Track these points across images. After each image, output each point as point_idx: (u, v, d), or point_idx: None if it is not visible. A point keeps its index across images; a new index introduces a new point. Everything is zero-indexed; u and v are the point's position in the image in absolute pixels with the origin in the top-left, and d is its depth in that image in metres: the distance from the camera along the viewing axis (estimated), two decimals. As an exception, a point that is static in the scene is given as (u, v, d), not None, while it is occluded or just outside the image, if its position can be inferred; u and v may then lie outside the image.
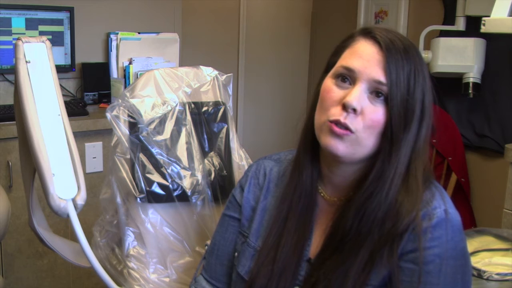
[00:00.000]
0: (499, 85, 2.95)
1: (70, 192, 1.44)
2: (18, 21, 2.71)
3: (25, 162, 1.60)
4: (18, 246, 2.54)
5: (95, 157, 2.67)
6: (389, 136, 1.03)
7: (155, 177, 1.67)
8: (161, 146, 1.70)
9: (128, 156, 1.67)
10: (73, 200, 1.44)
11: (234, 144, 1.83)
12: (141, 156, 1.67)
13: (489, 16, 2.23)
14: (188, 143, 1.75)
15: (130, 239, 1.69)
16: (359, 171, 1.10)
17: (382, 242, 1.03)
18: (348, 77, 1.06)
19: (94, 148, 2.66)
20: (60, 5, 2.84)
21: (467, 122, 3.10)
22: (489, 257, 1.59)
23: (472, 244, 1.63)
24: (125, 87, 2.89)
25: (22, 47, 1.47)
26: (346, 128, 1.03)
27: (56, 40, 2.82)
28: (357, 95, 1.02)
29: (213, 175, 1.76)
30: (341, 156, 1.05)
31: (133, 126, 1.68)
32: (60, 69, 2.76)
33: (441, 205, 1.05)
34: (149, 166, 1.67)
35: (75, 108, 2.73)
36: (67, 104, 2.68)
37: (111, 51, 3.03)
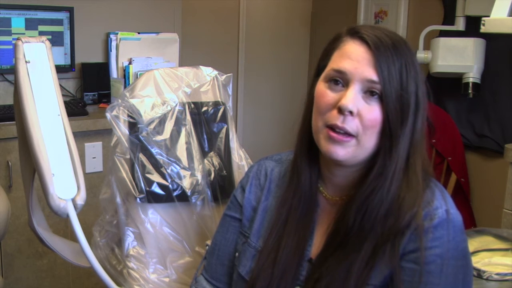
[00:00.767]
0: (499, 85, 2.95)
1: (70, 192, 1.44)
2: (17, 21, 2.71)
3: (25, 162, 1.60)
4: (18, 246, 2.54)
5: (94, 157, 2.67)
6: (388, 133, 1.03)
7: (155, 177, 1.67)
8: (160, 146, 1.70)
9: (128, 156, 1.67)
10: (73, 200, 1.44)
11: (234, 144, 1.83)
12: (141, 156, 1.67)
13: (488, 16, 2.23)
14: (188, 143, 1.74)
15: (129, 239, 1.69)
16: (360, 171, 1.10)
17: (384, 237, 1.03)
18: (340, 80, 1.05)
19: (94, 148, 2.66)
20: (59, 5, 2.84)
21: (467, 122, 3.10)
22: (489, 257, 1.59)
23: (472, 244, 1.63)
24: (125, 87, 2.89)
25: (21, 47, 1.47)
26: (345, 132, 1.03)
27: (55, 40, 2.82)
28: (352, 97, 1.02)
29: (212, 175, 1.76)
30: (343, 161, 1.06)
31: (133, 126, 1.68)
32: (59, 69, 2.75)
33: (442, 205, 1.05)
34: (149, 166, 1.67)
35: (75, 108, 2.73)
36: (67, 104, 2.68)
37: (111, 51, 3.03)
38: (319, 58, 1.14)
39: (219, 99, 1.83)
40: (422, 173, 1.07)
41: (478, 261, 1.55)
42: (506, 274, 1.50)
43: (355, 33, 1.07)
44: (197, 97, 1.80)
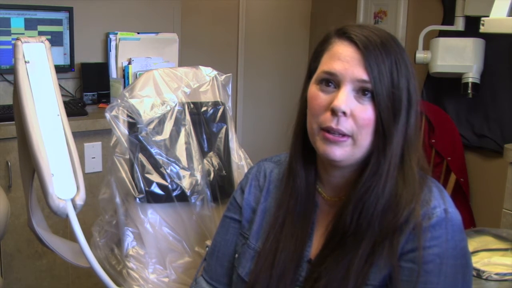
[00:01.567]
0: (498, 85, 2.95)
1: (69, 192, 1.44)
2: (17, 21, 2.71)
3: (24, 162, 1.60)
4: (17, 246, 2.54)
5: (94, 157, 2.66)
6: (381, 131, 1.04)
7: (154, 177, 1.68)
8: (160, 146, 1.70)
9: (127, 156, 1.67)
10: (72, 200, 1.44)
11: (233, 144, 1.83)
12: (140, 156, 1.67)
13: (488, 16, 2.23)
14: (187, 143, 1.75)
15: (129, 239, 1.69)
16: (358, 170, 1.10)
17: (383, 234, 1.03)
18: (331, 81, 1.06)
19: (93, 148, 2.66)
20: (59, 5, 2.84)
21: (466, 122, 3.10)
22: (488, 257, 1.59)
23: (471, 244, 1.63)
24: (124, 87, 2.89)
25: (21, 47, 1.47)
26: (340, 133, 1.03)
27: (55, 40, 2.82)
28: (344, 97, 1.03)
29: (212, 175, 1.76)
30: (340, 161, 1.06)
31: (132, 126, 1.68)
32: (59, 69, 2.75)
33: (440, 204, 1.05)
34: (148, 166, 1.67)
35: (74, 108, 2.72)
36: (66, 104, 2.68)
37: (110, 51, 3.03)
38: (309, 60, 1.14)
39: (219, 99, 1.83)
40: (418, 169, 1.07)
41: (478, 261, 1.56)
42: (505, 274, 1.50)
43: (343, 34, 1.07)
44: (197, 97, 1.80)
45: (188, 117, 1.76)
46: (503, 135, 2.94)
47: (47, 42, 1.52)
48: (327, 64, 1.07)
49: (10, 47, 2.69)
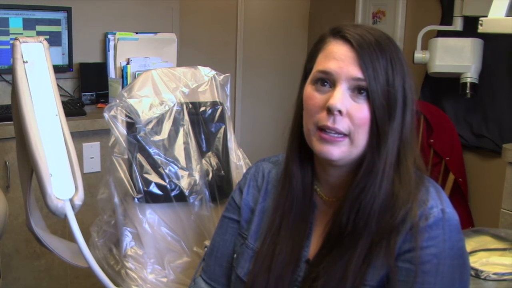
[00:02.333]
0: (496, 85, 2.95)
1: (68, 193, 1.44)
2: (15, 21, 2.71)
3: (22, 163, 1.60)
4: (16, 247, 2.54)
5: (92, 157, 2.66)
6: (375, 130, 1.04)
7: (153, 177, 1.67)
8: (158, 146, 1.70)
9: (126, 156, 1.67)
10: (71, 201, 1.44)
11: (232, 144, 1.83)
12: (139, 156, 1.67)
13: (486, 16, 2.23)
14: (186, 143, 1.74)
15: (127, 239, 1.69)
16: (355, 170, 1.10)
17: (380, 234, 1.03)
18: (327, 81, 1.06)
19: (92, 148, 2.66)
20: (57, 5, 2.83)
21: (465, 122, 3.10)
22: (487, 257, 1.59)
23: (469, 244, 1.64)
24: (123, 87, 2.89)
25: (19, 47, 1.47)
26: (336, 132, 1.03)
27: (53, 40, 2.82)
28: (339, 96, 1.03)
29: (210, 175, 1.76)
30: (337, 160, 1.06)
31: (131, 126, 1.68)
32: (57, 69, 2.75)
33: (437, 205, 1.05)
34: (147, 166, 1.67)
35: (72, 108, 2.72)
36: (65, 104, 2.67)
37: (109, 51, 3.03)
38: (305, 61, 1.14)
39: (217, 99, 1.83)
40: (414, 168, 1.08)
41: (476, 261, 1.56)
42: (503, 274, 1.50)
43: (338, 33, 1.08)
44: (195, 97, 1.80)
45: (186, 117, 1.76)
46: (502, 135, 2.94)
47: (45, 42, 1.51)
48: (322, 64, 1.07)
49: (9, 47, 2.68)
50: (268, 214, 1.21)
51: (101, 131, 2.63)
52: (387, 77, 1.04)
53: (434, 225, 1.03)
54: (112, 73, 3.04)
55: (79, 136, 2.58)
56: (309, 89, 1.09)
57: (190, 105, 1.78)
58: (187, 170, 1.72)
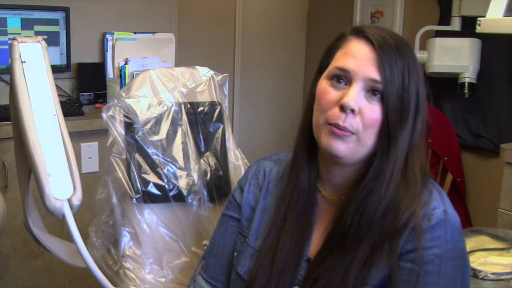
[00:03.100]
0: (494, 85, 2.95)
1: (66, 193, 1.44)
2: (13, 21, 2.70)
3: (20, 163, 1.59)
4: (14, 247, 2.54)
5: (91, 157, 2.66)
6: (387, 133, 1.04)
7: (151, 177, 1.67)
8: (157, 146, 1.70)
9: (124, 156, 1.67)
10: (69, 201, 1.44)
11: (230, 144, 1.83)
12: (137, 156, 1.67)
13: (484, 17, 2.23)
14: (184, 143, 1.74)
15: (126, 240, 1.69)
16: (358, 171, 1.10)
17: (382, 237, 1.03)
18: (343, 78, 1.06)
19: (90, 148, 2.66)
20: (55, 5, 2.83)
21: (463, 122, 3.10)
22: (485, 257, 1.60)
23: (467, 244, 1.63)
24: (121, 87, 2.89)
25: (17, 47, 1.46)
26: (346, 130, 1.03)
27: (51, 40, 2.82)
28: (354, 95, 1.03)
29: (209, 175, 1.76)
30: (342, 157, 1.06)
31: (129, 126, 1.68)
32: (55, 69, 2.75)
33: (440, 206, 1.06)
34: (145, 166, 1.67)
35: (71, 108, 2.72)
36: (63, 104, 2.67)
37: (107, 51, 3.03)
38: (322, 56, 1.14)
39: (215, 99, 1.83)
40: (420, 174, 1.08)
41: (474, 261, 1.56)
42: (501, 274, 1.50)
43: (360, 32, 1.08)
44: (193, 97, 1.80)
45: (184, 117, 1.76)
46: (500, 135, 2.94)
47: (43, 42, 1.51)
48: (340, 61, 1.07)
49: (7, 47, 2.68)
50: (269, 213, 1.21)
51: (99, 131, 2.63)
52: (403, 82, 1.04)
53: (437, 226, 1.03)
54: (110, 73, 3.04)
55: (77, 136, 2.58)
56: (323, 83, 1.09)
57: (189, 105, 1.78)
58: (185, 170, 1.72)
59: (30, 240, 1.84)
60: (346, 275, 1.04)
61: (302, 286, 1.13)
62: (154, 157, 1.68)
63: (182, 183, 1.70)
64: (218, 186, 1.77)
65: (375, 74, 1.03)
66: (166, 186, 1.68)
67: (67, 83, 3.00)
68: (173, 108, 1.74)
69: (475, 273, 1.50)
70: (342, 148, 1.05)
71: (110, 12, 3.09)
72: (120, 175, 1.66)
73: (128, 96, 1.71)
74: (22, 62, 1.46)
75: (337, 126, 1.04)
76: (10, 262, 2.54)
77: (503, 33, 2.21)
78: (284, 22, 4.43)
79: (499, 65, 2.92)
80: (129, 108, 1.68)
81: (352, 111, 1.03)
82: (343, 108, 1.03)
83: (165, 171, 1.69)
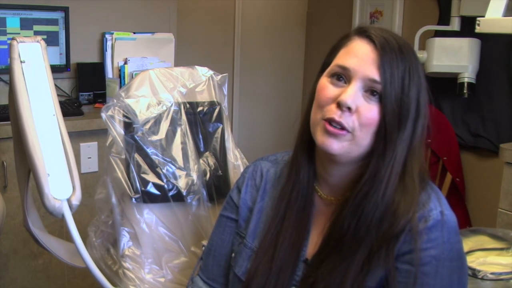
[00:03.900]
0: (493, 85, 2.95)
1: (65, 192, 1.44)
2: (12, 21, 2.70)
3: (20, 163, 1.59)
4: (13, 247, 2.53)
5: (90, 157, 2.66)
6: (383, 134, 1.04)
7: (150, 177, 1.67)
8: (156, 146, 1.70)
9: (123, 156, 1.67)
10: (68, 200, 1.44)
11: (229, 144, 1.83)
12: (136, 156, 1.67)
13: (483, 16, 2.23)
14: (183, 143, 1.74)
15: (125, 239, 1.69)
16: (355, 172, 1.10)
17: (379, 242, 1.03)
18: (343, 76, 1.06)
19: (89, 148, 2.66)
20: (55, 5, 2.83)
21: (462, 122, 3.11)
22: (484, 257, 1.60)
23: (467, 244, 1.64)
24: (120, 87, 2.89)
25: (17, 47, 1.46)
26: (341, 127, 1.03)
27: (51, 40, 2.82)
28: (352, 93, 1.03)
29: (208, 175, 1.76)
30: (336, 155, 1.06)
31: (128, 126, 1.68)
32: (55, 69, 2.75)
33: (437, 207, 1.06)
34: (144, 166, 1.67)
35: (70, 108, 2.72)
36: (62, 104, 2.67)
37: (106, 51, 3.03)
38: (326, 55, 1.15)
39: (215, 99, 1.83)
40: (418, 178, 1.08)
41: (473, 261, 1.56)
42: (501, 274, 1.50)
43: (364, 32, 1.08)
44: (193, 97, 1.80)
45: (184, 117, 1.76)
46: (499, 135, 2.94)
47: (42, 42, 1.51)
48: (341, 59, 1.08)
49: (6, 47, 2.68)
50: (267, 213, 1.21)
51: (99, 131, 2.63)
52: (403, 85, 1.04)
53: (434, 227, 1.03)
54: (109, 73, 3.04)
55: (76, 136, 2.57)
56: (323, 80, 1.09)
57: (188, 105, 1.78)
58: (185, 170, 1.72)
59: (30, 240, 1.84)
60: (343, 279, 1.04)
61: (299, 287, 1.13)
62: (153, 157, 1.68)
63: (182, 183, 1.70)
64: (217, 186, 1.77)
65: (375, 74, 1.03)
66: (165, 186, 1.68)
67: (67, 83, 3.00)
68: (173, 108, 1.74)
69: (474, 273, 1.50)
70: (336, 146, 1.05)
71: (109, 12, 3.09)
72: (120, 175, 1.66)
73: (128, 96, 1.71)
74: (21, 62, 1.46)
75: (332, 120, 1.04)
76: (10, 262, 2.54)
77: (502, 33, 2.21)
78: (284, 22, 4.43)
79: (498, 65, 2.93)
80: (128, 108, 1.68)
81: (349, 109, 1.03)
82: (340, 105, 1.03)
83: (164, 171, 1.69)
